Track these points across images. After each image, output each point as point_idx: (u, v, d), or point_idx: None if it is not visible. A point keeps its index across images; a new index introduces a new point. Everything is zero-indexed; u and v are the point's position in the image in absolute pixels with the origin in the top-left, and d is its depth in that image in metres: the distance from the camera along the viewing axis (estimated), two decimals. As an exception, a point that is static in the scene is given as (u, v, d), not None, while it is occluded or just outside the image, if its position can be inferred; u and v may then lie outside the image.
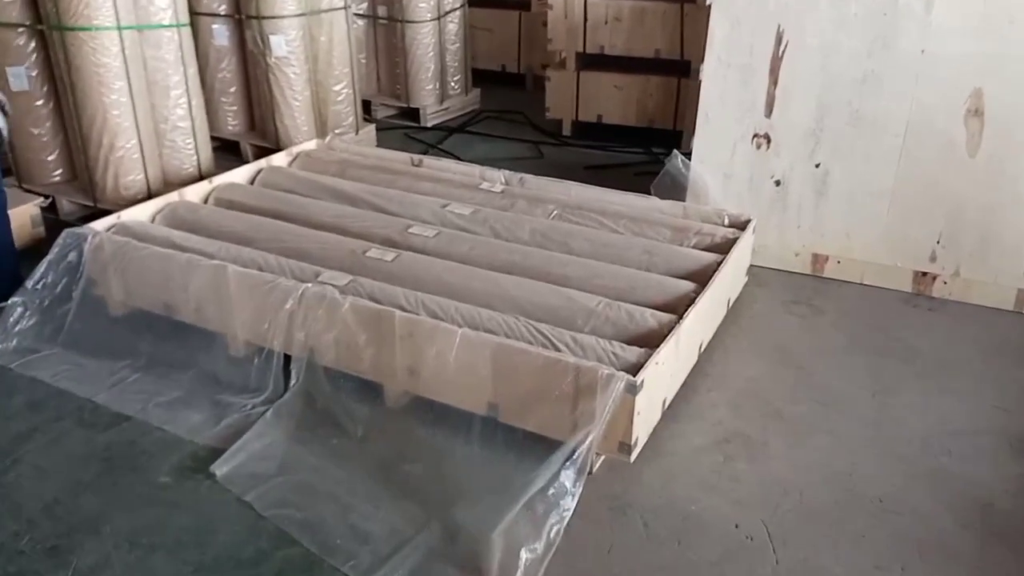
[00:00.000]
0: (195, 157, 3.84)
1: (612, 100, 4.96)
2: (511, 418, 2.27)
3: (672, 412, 2.45)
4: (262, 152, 4.51)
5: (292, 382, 2.49)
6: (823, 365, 2.76)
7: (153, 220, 3.15)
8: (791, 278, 3.34)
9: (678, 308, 2.55)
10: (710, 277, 2.74)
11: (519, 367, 2.19)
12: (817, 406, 2.56)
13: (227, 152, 4.64)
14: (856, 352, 2.84)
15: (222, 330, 2.66)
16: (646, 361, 2.18)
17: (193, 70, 3.76)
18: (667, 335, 2.35)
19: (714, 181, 3.39)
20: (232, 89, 4.52)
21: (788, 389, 2.64)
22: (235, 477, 2.17)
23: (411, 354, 2.36)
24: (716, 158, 3.38)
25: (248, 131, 4.64)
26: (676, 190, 3.47)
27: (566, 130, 5.15)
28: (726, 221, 3.15)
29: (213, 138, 4.57)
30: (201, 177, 3.89)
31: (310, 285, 2.49)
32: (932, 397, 2.60)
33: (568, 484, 1.95)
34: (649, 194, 3.53)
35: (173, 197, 3.25)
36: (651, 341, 2.35)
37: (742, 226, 3.10)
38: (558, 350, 2.25)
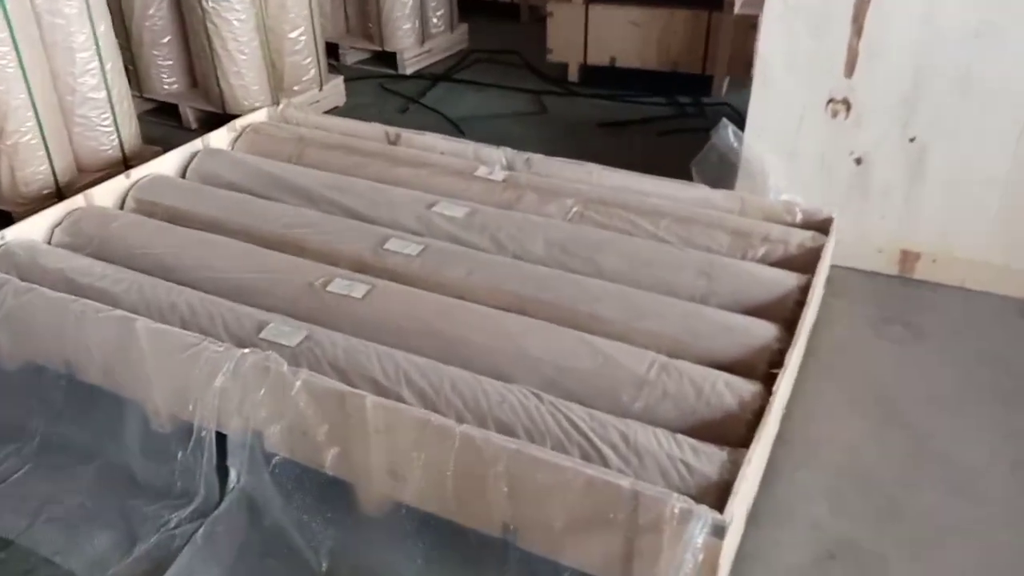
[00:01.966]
0: (115, 135, 3.06)
1: (628, 39, 4.14)
2: (536, 546, 1.60)
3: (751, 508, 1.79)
4: (206, 118, 3.72)
5: (230, 483, 1.81)
6: (938, 421, 2.09)
7: (51, 237, 2.41)
8: (874, 282, 2.64)
9: (757, 365, 1.86)
10: (791, 311, 2.04)
11: (547, 488, 1.51)
12: (943, 491, 1.90)
13: (165, 116, 3.85)
14: (976, 398, 2.17)
15: (139, 398, 1.96)
16: (731, 477, 1.51)
17: (105, 25, 2.95)
18: (751, 420, 1.67)
19: (775, 160, 2.64)
20: (165, 40, 3.69)
21: (900, 464, 1.97)
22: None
23: (391, 453, 1.67)
24: (778, 130, 2.63)
25: (189, 90, 3.83)
26: (724, 170, 2.73)
27: (572, 76, 4.34)
28: (798, 218, 2.42)
29: (148, 100, 3.78)
30: (124, 159, 3.12)
31: (247, 352, 1.77)
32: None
33: None
34: (688, 171, 2.80)
35: (77, 202, 2.50)
36: (730, 429, 1.68)
37: (821, 226, 2.38)
38: (602, 456, 1.57)
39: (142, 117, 3.79)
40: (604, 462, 1.56)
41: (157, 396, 1.91)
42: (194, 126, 3.74)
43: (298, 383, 1.71)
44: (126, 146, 3.11)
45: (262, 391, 1.74)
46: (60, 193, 2.87)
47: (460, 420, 1.67)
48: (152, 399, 1.92)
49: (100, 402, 2.00)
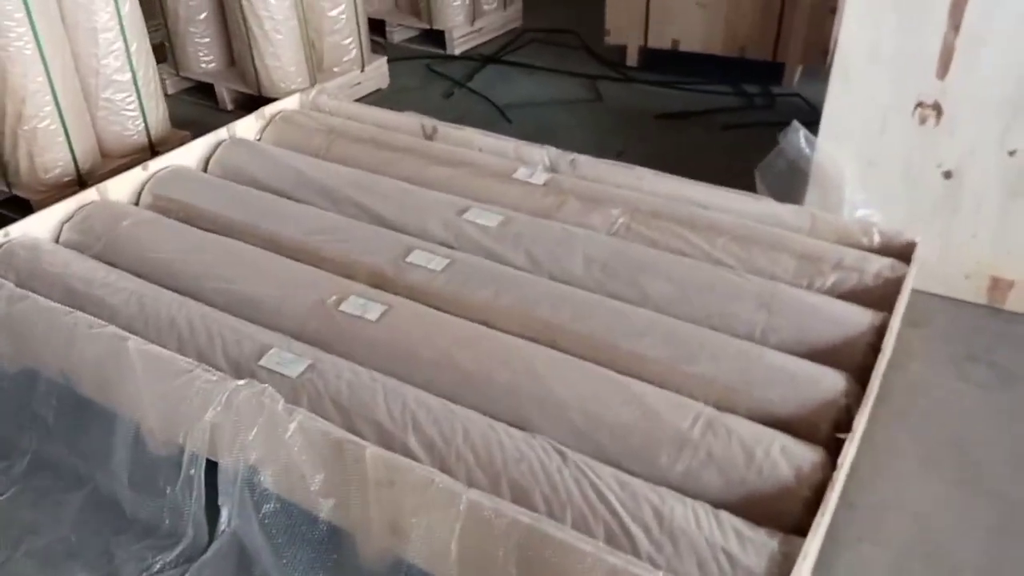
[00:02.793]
0: (140, 119, 2.90)
1: (693, 21, 3.82)
2: (551, 629, 1.39)
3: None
4: (242, 99, 3.55)
5: (220, 525, 1.64)
6: (1030, 488, 1.81)
7: (59, 234, 2.26)
8: (959, 312, 2.33)
9: (819, 424, 1.61)
10: (862, 355, 1.77)
11: (564, 574, 1.30)
12: (1035, 578, 1.63)
13: (202, 95, 3.69)
14: (1078, 459, 1.88)
15: (132, 418, 1.79)
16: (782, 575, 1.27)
17: (130, 4, 2.78)
18: (810, 499, 1.43)
19: (852, 169, 2.35)
20: (202, 16, 3.51)
21: (983, 543, 1.70)
22: None
23: (393, 509, 1.48)
24: (857, 135, 2.33)
25: (227, 69, 3.66)
26: (793, 178, 2.44)
27: (631, 59, 4.05)
28: (876, 240, 2.13)
29: (184, 79, 3.63)
30: (151, 144, 2.97)
31: (241, 385, 1.59)
32: None
33: None
34: (752, 174, 2.52)
35: (90, 196, 2.35)
36: (784, 507, 1.44)
37: (902, 252, 2.08)
38: (631, 539, 1.35)
39: (178, 96, 3.67)
40: (633, 546, 1.33)
41: (151, 418, 1.74)
42: (230, 107, 3.58)
43: (293, 425, 1.52)
44: (153, 131, 2.96)
45: (255, 430, 1.56)
46: (81, 180, 2.74)
47: (470, 479, 1.47)
48: (147, 420, 1.75)
49: (93, 420, 1.85)
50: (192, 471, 1.63)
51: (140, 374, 1.71)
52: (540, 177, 2.40)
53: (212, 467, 1.63)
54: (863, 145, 2.33)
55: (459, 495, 1.37)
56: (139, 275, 2.06)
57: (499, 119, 3.53)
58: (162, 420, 1.70)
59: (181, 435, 1.64)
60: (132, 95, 2.85)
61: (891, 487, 1.81)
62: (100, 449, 1.79)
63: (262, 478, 1.58)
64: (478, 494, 1.37)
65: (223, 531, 1.65)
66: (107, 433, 1.78)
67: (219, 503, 1.63)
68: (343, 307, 1.87)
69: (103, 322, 1.79)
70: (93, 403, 1.85)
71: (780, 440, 1.53)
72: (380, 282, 2.01)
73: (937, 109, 2.22)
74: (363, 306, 1.87)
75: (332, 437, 1.49)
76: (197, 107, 3.62)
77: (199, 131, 2.79)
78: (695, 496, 1.46)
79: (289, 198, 2.39)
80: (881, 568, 1.65)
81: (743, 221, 2.18)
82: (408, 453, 1.53)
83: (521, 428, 1.60)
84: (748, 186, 2.43)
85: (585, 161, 2.47)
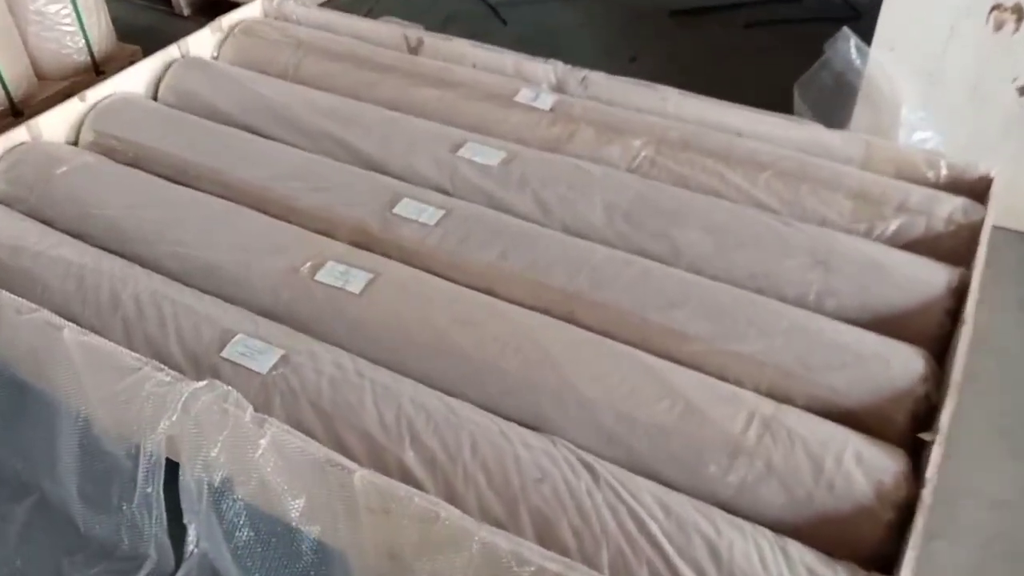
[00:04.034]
0: (80, 35, 2.51)
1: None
2: None
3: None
4: (199, 4, 3.13)
5: (188, 545, 1.40)
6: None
7: (-17, 184, 1.93)
8: (1031, 250, 2.05)
9: (894, 417, 1.35)
10: (938, 324, 1.50)
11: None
12: None
13: (159, 1, 3.26)
14: None
15: (80, 415, 1.52)
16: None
17: None
18: (894, 520, 1.18)
19: (910, 84, 2.01)
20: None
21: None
22: None
23: (390, 536, 1.23)
24: (918, 44, 1.98)
25: (183, -32, 3.21)
26: (840, 96, 2.10)
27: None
28: (943, 174, 1.82)
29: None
30: (95, 64, 2.59)
31: (200, 388, 1.31)
32: None
33: None
34: (781, 85, 2.19)
35: (19, 136, 1.99)
36: (863, 530, 1.19)
37: (974, 188, 1.78)
38: (681, 585, 1.11)
39: (127, 1, 3.23)
40: (682, 601, 1.09)
41: (101, 418, 1.47)
42: (187, 12, 3.16)
43: (264, 441, 1.26)
44: (95, 47, 2.57)
45: (218, 446, 1.29)
46: (16, 111, 2.39)
47: (482, 506, 1.22)
48: (96, 420, 1.49)
49: (33, 414, 1.58)
50: (149, 489, 1.37)
51: (80, 370, 1.43)
52: (546, 100, 2.05)
53: (174, 470, 1.37)
54: (925, 55, 1.99)
55: (470, 534, 1.12)
56: (79, 235, 1.75)
57: (492, 19, 3.12)
58: (112, 423, 1.43)
59: (132, 448, 1.37)
60: (67, 5, 2.45)
61: (963, 469, 1.57)
62: (44, 451, 1.54)
63: (232, 499, 1.32)
64: (493, 532, 1.12)
65: (192, 551, 1.41)
66: (50, 433, 1.52)
67: (184, 521, 1.39)
68: (320, 276, 1.57)
69: (34, 306, 1.49)
70: (32, 392, 1.57)
71: (853, 444, 1.27)
72: (363, 240, 1.70)
73: (1018, 12, 1.87)
74: (344, 275, 1.57)
75: (312, 458, 1.23)
76: (149, 12, 3.20)
77: (151, 44, 2.40)
78: (751, 516, 1.22)
79: (253, 131, 2.05)
80: (959, 571, 1.42)
81: (787, 152, 1.86)
82: (405, 472, 1.27)
83: (537, 427, 1.35)
84: (776, 98, 2.09)
85: (598, 80, 2.11)
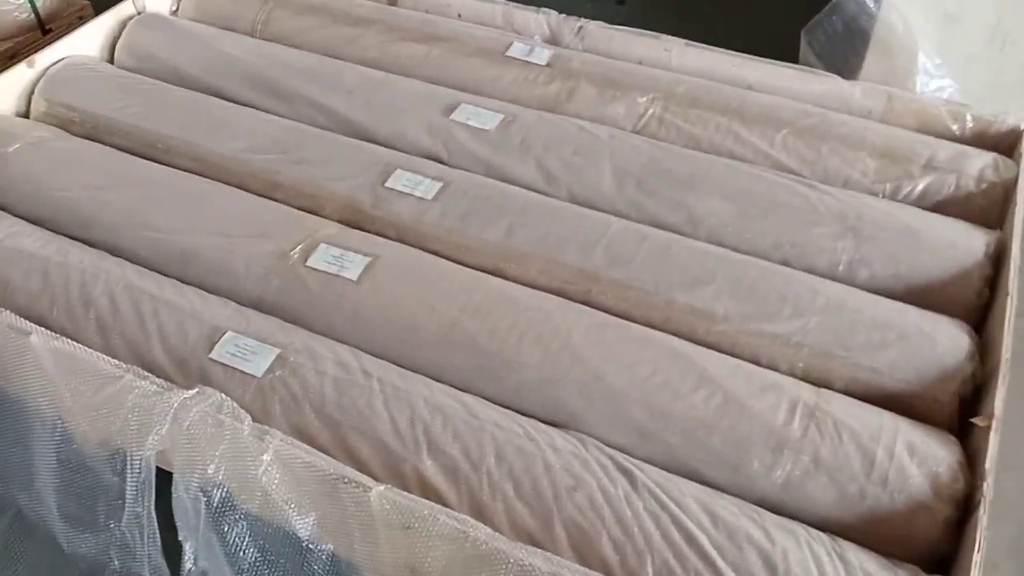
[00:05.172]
0: (23, -9, 2.29)
1: None
2: None
3: None
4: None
5: (185, 564, 1.29)
6: None
7: (-75, 164, 1.74)
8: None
9: (941, 399, 1.27)
10: (976, 293, 1.41)
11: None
12: None
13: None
14: None
15: (58, 424, 1.39)
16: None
17: None
18: (951, 516, 1.11)
19: (927, 27, 1.89)
20: None
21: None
22: None
23: (412, 552, 1.13)
24: (936, -15, 1.86)
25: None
26: (851, 42, 1.98)
27: None
28: (968, 127, 1.72)
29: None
30: (40, 23, 2.36)
31: (190, 397, 1.18)
32: None
33: None
34: (786, 31, 2.06)
35: (-39, 108, 1.81)
36: (919, 529, 1.12)
37: (1000, 143, 1.68)
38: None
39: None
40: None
41: (80, 430, 1.34)
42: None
43: (267, 456, 1.14)
44: (40, 3, 2.34)
45: (214, 462, 1.17)
46: (-45, 77, 2.16)
47: (512, 521, 1.12)
48: (74, 432, 1.35)
49: (5, 422, 1.44)
50: (139, 508, 1.25)
51: (54, 379, 1.29)
52: (541, 54, 1.90)
53: (165, 478, 1.25)
54: (944, -4, 1.87)
55: (503, 555, 1.02)
56: (37, 221, 1.58)
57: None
58: (94, 436, 1.30)
59: (118, 464, 1.25)
60: (6, -42, 2.22)
61: (1003, 443, 1.50)
62: (19, 465, 1.40)
63: (233, 519, 1.21)
64: (528, 552, 1.02)
65: (190, 570, 1.30)
66: (25, 446, 1.39)
67: (180, 538, 1.27)
68: (312, 261, 1.44)
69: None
70: (2, 399, 1.43)
71: (904, 433, 1.19)
72: (354, 218, 1.56)
73: (1045, -52, 1.75)
74: (339, 259, 1.44)
75: (322, 474, 1.11)
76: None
77: (101, 5, 2.19)
78: (798, 515, 1.14)
79: (223, 97, 1.87)
80: (1001, 546, 1.37)
81: (804, 107, 1.74)
82: (423, 483, 1.16)
83: (561, 425, 1.25)
84: (778, 45, 1.96)
85: (596, 31, 1.96)
